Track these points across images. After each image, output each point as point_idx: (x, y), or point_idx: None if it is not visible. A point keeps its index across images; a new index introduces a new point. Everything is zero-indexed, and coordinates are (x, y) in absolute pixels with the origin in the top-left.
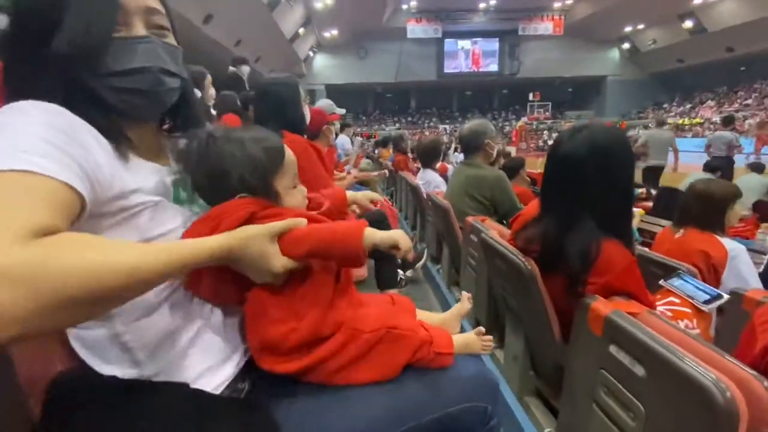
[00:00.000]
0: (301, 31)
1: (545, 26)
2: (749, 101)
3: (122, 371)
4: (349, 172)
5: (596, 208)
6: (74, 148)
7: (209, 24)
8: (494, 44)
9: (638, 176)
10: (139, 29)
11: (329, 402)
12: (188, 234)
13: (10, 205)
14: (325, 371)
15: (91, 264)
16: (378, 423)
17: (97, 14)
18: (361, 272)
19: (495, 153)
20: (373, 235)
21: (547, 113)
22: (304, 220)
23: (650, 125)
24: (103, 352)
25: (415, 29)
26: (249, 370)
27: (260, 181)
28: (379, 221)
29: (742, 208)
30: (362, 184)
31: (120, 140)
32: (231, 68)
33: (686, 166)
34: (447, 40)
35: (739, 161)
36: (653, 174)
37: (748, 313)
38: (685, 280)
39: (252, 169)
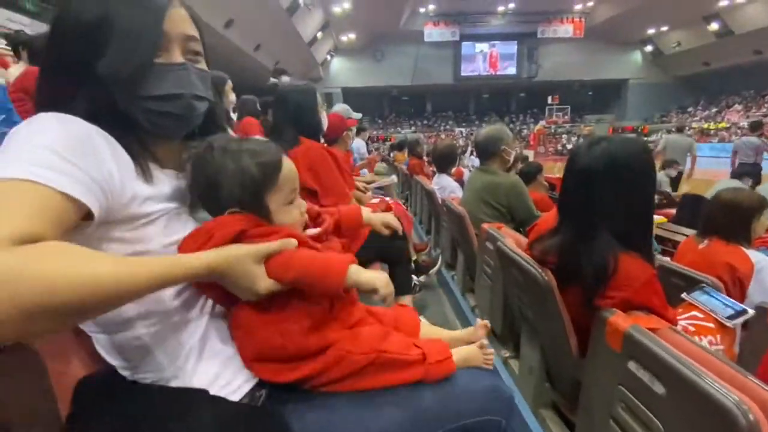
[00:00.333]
0: (319, 35)
1: (565, 29)
2: None
3: (143, 375)
4: (367, 189)
5: (614, 221)
6: (86, 158)
7: (230, 29)
8: (512, 47)
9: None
10: (177, 56)
11: (344, 412)
12: (181, 247)
13: (7, 208)
14: (317, 383)
15: (70, 274)
16: None
17: (141, 40)
18: None
19: (512, 159)
20: (357, 274)
21: (566, 117)
22: (294, 242)
23: (672, 129)
24: (126, 356)
25: (432, 33)
26: None
27: (251, 197)
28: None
29: None
30: (378, 188)
31: (144, 155)
32: (272, 79)
33: (711, 172)
34: (464, 43)
35: (766, 167)
36: (671, 179)
37: None
38: (709, 294)
39: (243, 184)
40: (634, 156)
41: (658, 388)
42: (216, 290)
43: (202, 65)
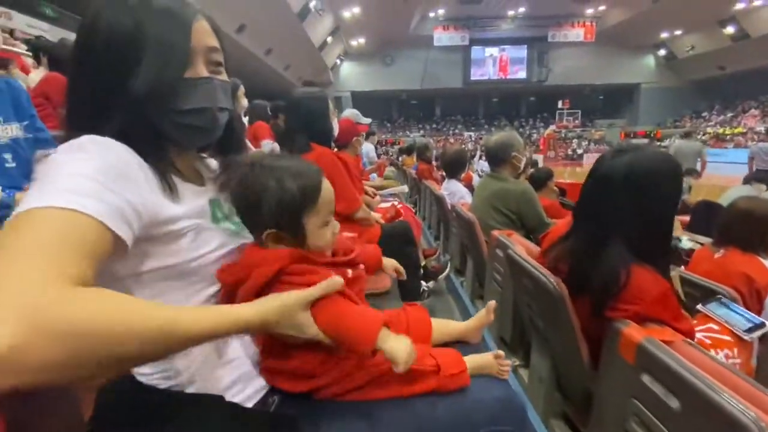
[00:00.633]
0: (329, 39)
1: (576, 33)
2: None
3: (160, 380)
4: (375, 194)
5: (627, 232)
6: (123, 184)
7: (242, 33)
8: (523, 51)
9: None
10: (202, 69)
11: (356, 421)
12: (220, 275)
13: (46, 248)
14: (329, 394)
15: (121, 326)
16: None
17: (173, 55)
18: (385, 283)
19: (522, 165)
20: (383, 341)
21: (577, 121)
22: (339, 282)
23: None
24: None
25: (442, 37)
26: None
27: (290, 217)
28: (403, 233)
29: None
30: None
31: (168, 170)
32: (301, 89)
33: (727, 178)
34: (474, 47)
35: None
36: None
37: None
38: (726, 306)
39: (283, 205)
40: (658, 172)
41: (673, 403)
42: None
43: (224, 76)
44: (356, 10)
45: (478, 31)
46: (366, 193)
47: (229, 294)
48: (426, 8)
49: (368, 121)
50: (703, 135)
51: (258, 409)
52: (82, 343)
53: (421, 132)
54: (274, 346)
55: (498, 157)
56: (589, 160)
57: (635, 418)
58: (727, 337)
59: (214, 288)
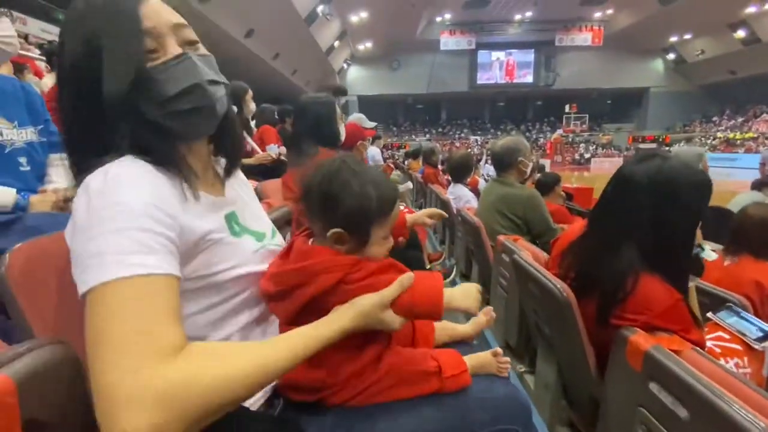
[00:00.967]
0: (337, 44)
1: (583, 37)
2: None
3: None
4: None
5: (643, 240)
6: (166, 220)
7: (250, 38)
8: (529, 55)
9: None
10: (174, 48)
11: (358, 424)
12: (275, 277)
13: (139, 324)
14: (333, 401)
15: (228, 377)
16: None
17: (127, 45)
18: None
19: (529, 171)
20: (449, 301)
21: (584, 125)
22: (410, 278)
23: (697, 139)
24: None
25: (449, 41)
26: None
27: (362, 222)
28: (408, 238)
29: None
30: None
31: (189, 175)
32: (324, 94)
33: (736, 183)
34: (480, 52)
35: None
36: None
37: None
38: (736, 314)
39: (361, 208)
40: (681, 182)
41: (681, 412)
42: (282, 307)
43: (202, 50)
44: (363, 14)
45: (485, 35)
46: None
47: (280, 297)
48: (433, 13)
49: (373, 125)
50: (714, 140)
51: (262, 411)
52: (205, 404)
53: (427, 136)
54: None
55: (504, 162)
56: (597, 165)
57: (642, 427)
58: (738, 346)
59: (238, 300)
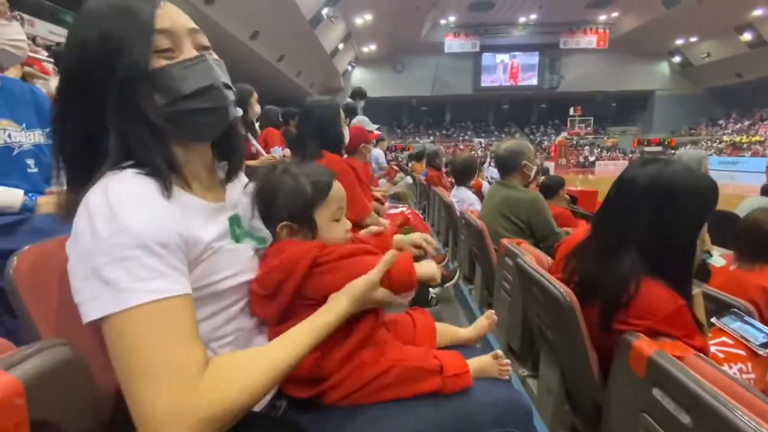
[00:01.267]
0: (341, 46)
1: (588, 40)
2: None
3: None
4: (384, 200)
5: (645, 244)
6: (172, 239)
7: (255, 40)
8: (534, 58)
9: None
10: (191, 50)
11: (361, 425)
12: (258, 284)
13: (162, 349)
14: (334, 398)
15: (249, 387)
16: None
17: (136, 42)
18: None
19: (533, 174)
20: (418, 269)
21: (589, 128)
22: (394, 254)
23: (702, 143)
24: None
25: (453, 44)
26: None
27: (301, 208)
28: None
29: None
30: (395, 197)
31: (185, 187)
32: (349, 99)
33: (742, 186)
34: (485, 54)
35: None
36: None
37: None
38: (741, 319)
39: (296, 197)
40: (682, 187)
41: (684, 418)
42: (266, 308)
43: (215, 56)
44: (368, 17)
45: (489, 38)
46: (375, 199)
47: (272, 294)
48: (437, 15)
49: (375, 127)
50: (720, 143)
51: (265, 413)
52: (233, 414)
53: (431, 138)
54: None
55: (508, 165)
56: (601, 168)
57: None
58: (741, 352)
59: (238, 307)
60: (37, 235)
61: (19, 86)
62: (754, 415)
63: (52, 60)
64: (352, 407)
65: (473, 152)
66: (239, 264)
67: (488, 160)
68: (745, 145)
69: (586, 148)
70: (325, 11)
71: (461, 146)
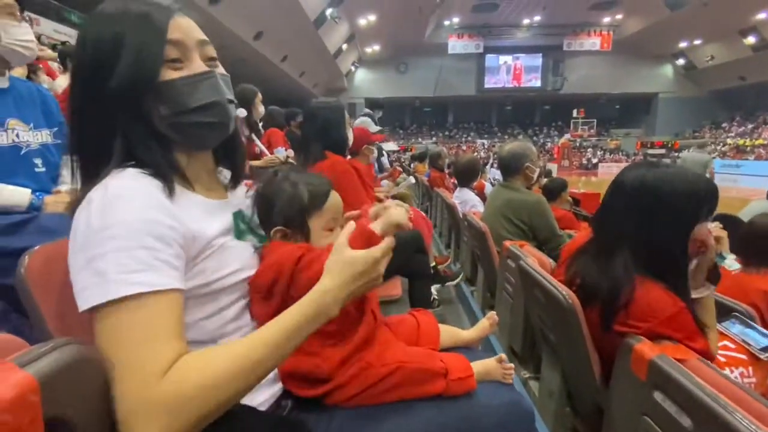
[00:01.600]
0: (345, 46)
1: (592, 42)
2: None
3: None
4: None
5: (635, 246)
6: (168, 234)
7: (259, 40)
8: (537, 60)
9: None
10: (200, 65)
11: (365, 425)
12: (254, 281)
13: (139, 343)
14: (340, 398)
15: (209, 383)
16: None
17: (147, 52)
18: (396, 291)
19: (535, 176)
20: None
21: (592, 130)
22: (352, 226)
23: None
24: None
25: (456, 45)
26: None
27: (297, 214)
28: (414, 242)
29: None
30: (398, 199)
31: (186, 185)
32: (366, 110)
33: (745, 190)
34: (488, 56)
35: None
36: None
37: None
38: (743, 323)
39: (292, 203)
40: (668, 189)
41: (685, 422)
42: (263, 310)
43: (221, 68)
44: (372, 17)
45: (493, 39)
46: (378, 200)
47: (266, 295)
48: (441, 16)
49: (377, 129)
50: (723, 146)
51: (270, 412)
52: (193, 410)
53: (434, 139)
54: None
55: (511, 167)
56: (604, 170)
57: None
58: (743, 356)
59: (241, 303)
60: (44, 233)
61: (27, 86)
62: (755, 419)
63: (57, 59)
64: (357, 408)
65: (476, 153)
66: (241, 261)
67: (491, 161)
68: (748, 148)
69: (589, 150)
70: (328, 12)
71: (464, 147)
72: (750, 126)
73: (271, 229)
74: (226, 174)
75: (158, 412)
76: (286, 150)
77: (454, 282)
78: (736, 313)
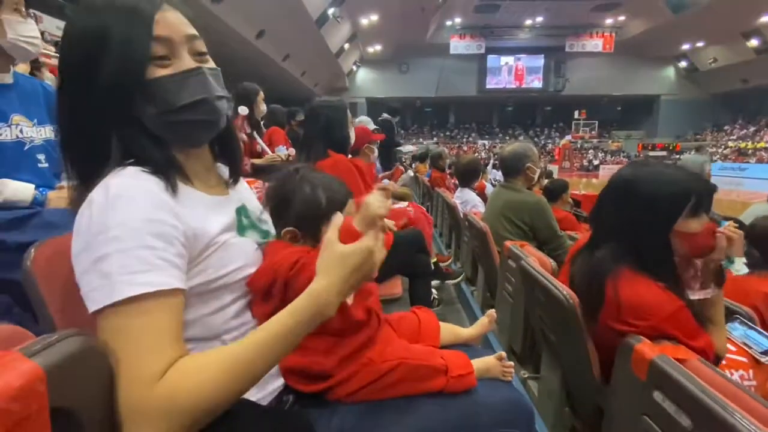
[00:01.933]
0: (347, 46)
1: (594, 43)
2: None
3: None
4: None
5: (621, 240)
6: (170, 233)
7: (261, 39)
8: (539, 60)
9: None
10: (188, 61)
11: (366, 422)
12: (252, 282)
13: (132, 352)
14: (341, 393)
15: (202, 390)
16: None
17: (132, 49)
18: (396, 290)
19: (536, 177)
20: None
21: (593, 132)
22: (340, 218)
23: (708, 147)
24: None
25: (458, 45)
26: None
27: (311, 219)
28: (415, 241)
29: None
30: (399, 198)
31: (186, 180)
32: (386, 115)
33: (753, 193)
34: (490, 56)
35: None
36: None
37: None
38: (743, 326)
39: (309, 207)
40: (646, 190)
41: (685, 422)
42: (262, 309)
43: (210, 64)
44: (374, 17)
45: (495, 40)
46: None
47: (264, 296)
48: (443, 17)
49: (374, 128)
50: (725, 149)
51: (271, 407)
52: (190, 418)
53: (435, 139)
54: None
55: (512, 168)
56: (606, 172)
57: None
58: (743, 359)
59: (245, 300)
60: (47, 228)
61: (31, 82)
62: (755, 420)
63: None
64: (359, 403)
65: (476, 154)
66: (244, 257)
67: (492, 162)
68: (750, 152)
69: (591, 151)
70: (331, 11)
71: (465, 148)
72: (752, 129)
73: (282, 227)
74: (225, 170)
75: (154, 416)
76: (287, 149)
77: (455, 281)
78: (738, 316)
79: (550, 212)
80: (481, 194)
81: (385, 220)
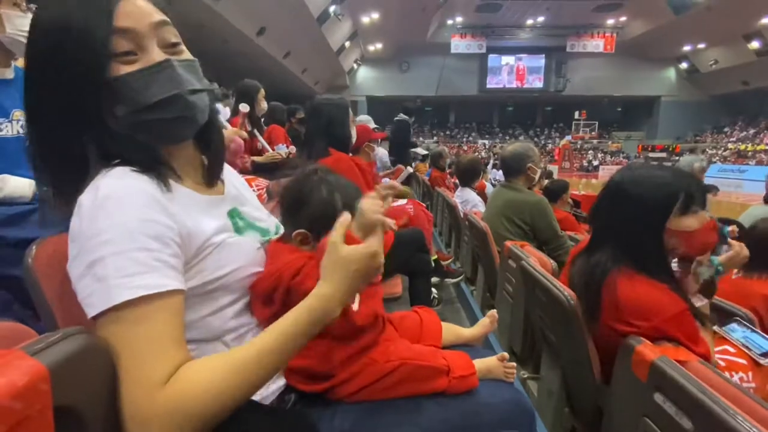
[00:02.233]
0: (347, 44)
1: (595, 44)
2: None
3: None
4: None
5: (617, 240)
6: (165, 233)
7: (262, 36)
8: (540, 60)
9: None
10: (156, 53)
11: (367, 422)
12: (254, 287)
13: (134, 357)
14: (343, 393)
15: (207, 396)
16: None
17: (93, 43)
18: (397, 290)
19: (537, 177)
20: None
21: (594, 132)
22: (348, 218)
23: (703, 150)
24: None
25: (459, 45)
26: None
27: (325, 224)
28: (416, 240)
29: None
30: (398, 196)
31: (169, 177)
32: (402, 115)
33: (752, 195)
34: (491, 56)
35: None
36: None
37: None
38: (743, 328)
39: (324, 211)
40: (635, 192)
41: (686, 423)
42: (262, 313)
43: (186, 54)
44: (375, 15)
45: (496, 39)
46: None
47: (266, 300)
48: (444, 15)
49: (374, 126)
50: (724, 151)
51: (273, 406)
52: (197, 423)
53: (435, 138)
54: None
55: (513, 168)
56: (605, 173)
57: None
58: (743, 361)
59: (244, 302)
60: (47, 224)
61: None
62: (755, 422)
63: None
64: (360, 403)
65: (477, 154)
66: (244, 257)
67: (492, 161)
68: (750, 154)
69: (590, 152)
70: (332, 9)
71: (465, 147)
72: (752, 131)
73: (294, 227)
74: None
75: (160, 422)
76: (287, 147)
77: (455, 280)
78: (738, 318)
79: (551, 212)
80: (481, 194)
81: (386, 219)
